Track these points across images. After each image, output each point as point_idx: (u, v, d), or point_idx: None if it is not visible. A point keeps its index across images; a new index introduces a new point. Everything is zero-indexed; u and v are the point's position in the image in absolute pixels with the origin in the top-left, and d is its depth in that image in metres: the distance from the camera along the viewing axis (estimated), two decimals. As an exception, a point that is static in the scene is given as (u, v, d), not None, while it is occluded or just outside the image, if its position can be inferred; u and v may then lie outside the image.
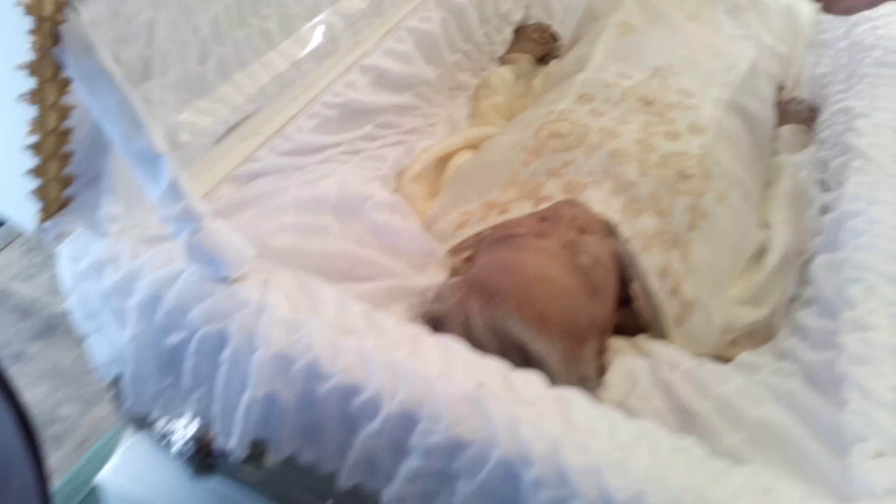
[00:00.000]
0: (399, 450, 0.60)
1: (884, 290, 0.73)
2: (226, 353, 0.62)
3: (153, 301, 0.65)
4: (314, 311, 0.65)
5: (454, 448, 0.58)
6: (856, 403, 0.63)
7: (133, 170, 0.61)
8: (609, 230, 0.89)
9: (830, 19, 1.41)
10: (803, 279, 0.90)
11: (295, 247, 0.79)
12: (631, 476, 0.55)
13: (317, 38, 0.98)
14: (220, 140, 0.84)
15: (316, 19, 0.98)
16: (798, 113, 1.27)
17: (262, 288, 0.66)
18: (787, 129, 1.23)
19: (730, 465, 0.57)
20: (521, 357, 0.71)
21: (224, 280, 0.64)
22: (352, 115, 1.01)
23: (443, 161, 1.10)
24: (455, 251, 0.93)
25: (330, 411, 0.62)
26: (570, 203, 0.89)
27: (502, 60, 1.37)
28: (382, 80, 1.06)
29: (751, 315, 0.90)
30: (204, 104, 0.81)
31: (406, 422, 0.59)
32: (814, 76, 1.37)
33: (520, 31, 1.43)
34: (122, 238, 0.68)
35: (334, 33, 1.01)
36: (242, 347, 0.62)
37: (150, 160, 0.60)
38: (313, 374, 0.61)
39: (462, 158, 1.10)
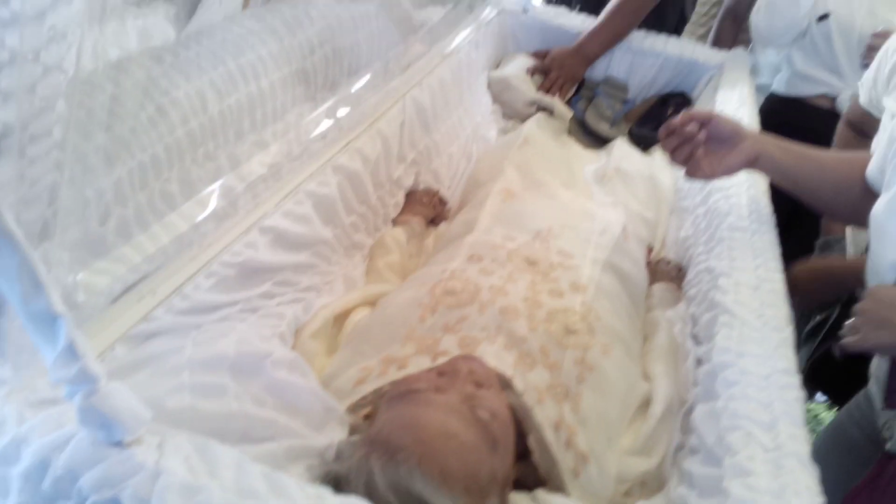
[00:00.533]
0: None
1: (760, 436, 0.79)
2: (118, 523, 0.59)
3: (40, 468, 0.61)
4: (212, 476, 0.63)
5: None
6: (744, 548, 0.66)
7: (28, 331, 0.59)
8: (504, 384, 0.92)
9: (688, 187, 1.57)
10: (686, 428, 0.95)
11: (191, 408, 0.77)
12: None
13: (217, 200, 1.01)
14: (116, 299, 0.83)
15: (216, 183, 1.01)
16: (667, 272, 1.39)
17: (158, 452, 0.63)
18: (658, 288, 1.34)
19: None
20: (424, 515, 0.70)
21: (118, 444, 0.62)
22: (250, 273, 1.02)
23: (341, 318, 1.12)
24: (354, 408, 0.93)
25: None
26: (466, 358, 0.92)
27: (395, 222, 1.44)
28: (281, 240, 1.09)
29: (642, 465, 0.93)
30: (102, 264, 0.81)
31: (310, 589, 0.57)
32: (678, 239, 1.51)
33: (410, 196, 1.51)
34: (9, 402, 0.65)
35: (234, 196, 1.04)
36: (136, 515, 0.59)
37: (47, 321, 0.59)
38: (212, 541, 0.58)
39: (360, 315, 1.12)
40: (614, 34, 2.07)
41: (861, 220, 1.08)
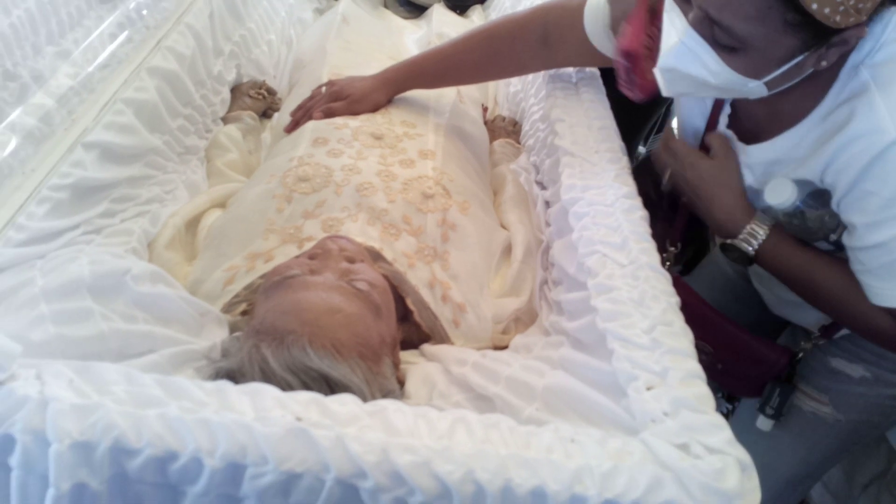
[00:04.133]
0: (232, 501, 0.58)
1: (614, 256, 0.86)
2: (15, 457, 0.57)
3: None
4: (103, 393, 0.61)
5: (287, 483, 0.58)
6: (620, 352, 0.73)
7: None
8: (375, 256, 0.94)
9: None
10: (546, 264, 1.02)
11: (59, 336, 0.73)
12: (457, 460, 0.59)
13: (28, 121, 0.92)
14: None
15: (25, 104, 0.92)
16: (504, 128, 1.44)
17: (39, 382, 0.61)
18: (499, 144, 1.39)
19: (536, 428, 0.64)
20: (326, 387, 0.72)
21: (-7, 384, 0.58)
22: (84, 193, 0.95)
23: (192, 224, 1.08)
24: (229, 307, 0.92)
25: (147, 486, 0.58)
26: (333, 238, 0.92)
27: (226, 120, 1.38)
28: (109, 154, 1.01)
29: (513, 304, 1.00)
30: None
31: (233, 473, 0.58)
32: (509, 94, 1.55)
33: (236, 90, 1.44)
34: None
35: (46, 113, 0.95)
36: (33, 446, 0.57)
37: None
38: (120, 452, 0.58)
39: (212, 218, 1.09)
40: None
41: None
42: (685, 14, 0.80)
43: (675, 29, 0.81)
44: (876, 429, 1.16)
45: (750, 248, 0.94)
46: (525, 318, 1.00)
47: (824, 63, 0.78)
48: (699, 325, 1.00)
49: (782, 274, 0.95)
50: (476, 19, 1.96)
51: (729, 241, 0.96)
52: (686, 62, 0.82)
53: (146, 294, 0.84)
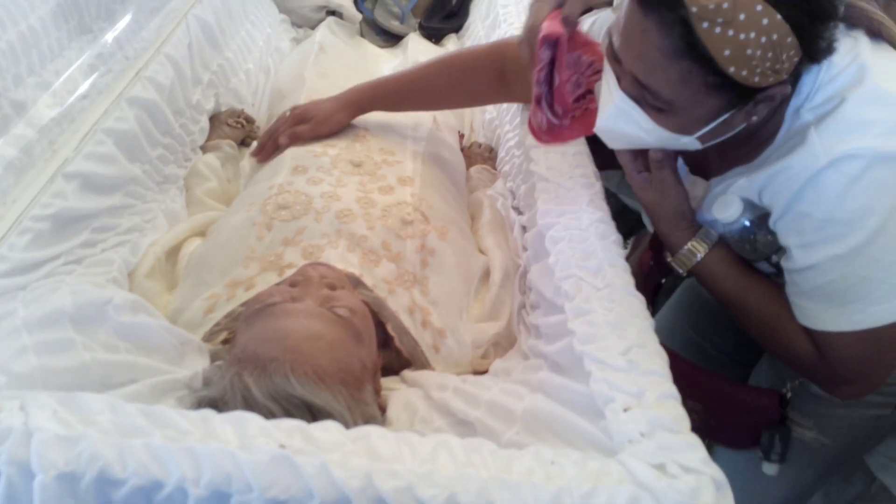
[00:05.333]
0: (218, 530, 0.59)
1: (590, 279, 0.88)
2: (0, 489, 0.57)
3: None
4: (87, 423, 0.61)
5: (273, 511, 0.59)
6: (597, 374, 0.75)
7: None
8: (355, 282, 0.95)
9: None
10: (524, 288, 1.04)
11: (41, 368, 0.74)
12: (440, 483, 0.60)
13: (10, 152, 0.93)
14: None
15: (5, 135, 0.93)
16: (480, 154, 1.46)
17: (22, 413, 0.61)
18: (475, 170, 1.41)
19: (517, 452, 0.66)
20: (309, 414, 0.73)
21: (-24, 415, 0.59)
22: (65, 224, 0.95)
23: (173, 253, 1.08)
24: (210, 336, 0.92)
25: (133, 516, 0.59)
26: (314, 265, 0.93)
27: (204, 148, 1.39)
28: (89, 184, 1.02)
29: (492, 328, 1.01)
30: None
31: (218, 501, 0.59)
32: (485, 122, 1.58)
33: (215, 119, 1.45)
34: None
35: (27, 144, 0.96)
36: (18, 478, 0.57)
37: None
38: (105, 483, 0.58)
39: (192, 246, 1.09)
40: None
41: None
42: (618, 78, 0.84)
43: (610, 92, 0.86)
44: (861, 450, 1.17)
45: (685, 266, 0.96)
46: (504, 343, 1.01)
47: (755, 118, 0.82)
48: (684, 384, 1.02)
49: (718, 292, 0.98)
50: (451, 48, 1.99)
51: (669, 258, 0.98)
52: (620, 123, 0.86)
53: (127, 324, 0.85)
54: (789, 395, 1.08)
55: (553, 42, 0.98)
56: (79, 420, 0.62)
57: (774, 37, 0.72)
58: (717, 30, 0.72)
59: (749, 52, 0.72)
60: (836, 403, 1.08)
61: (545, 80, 1.02)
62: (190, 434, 0.62)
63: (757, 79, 0.74)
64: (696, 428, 1.08)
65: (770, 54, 0.73)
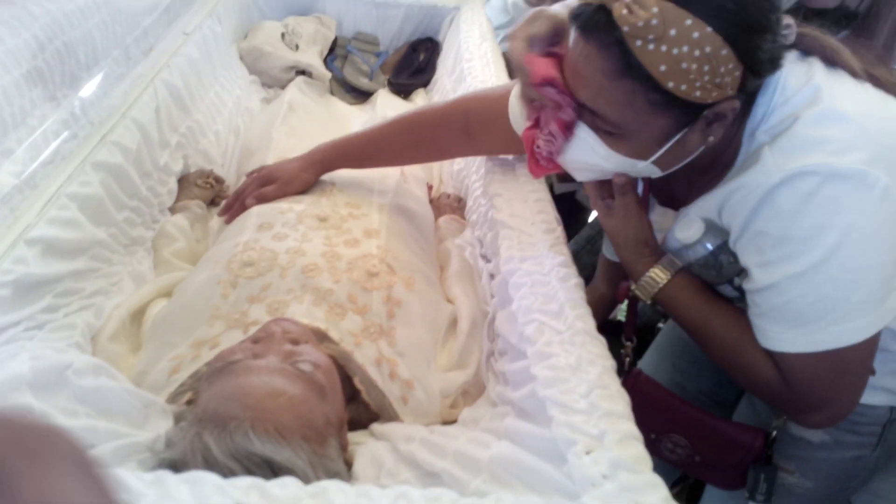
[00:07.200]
0: None
1: (552, 323, 0.88)
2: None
3: None
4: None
5: (228, 573, 0.57)
6: (559, 418, 0.75)
7: None
8: (321, 337, 0.94)
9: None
10: (492, 336, 1.04)
11: (-4, 436, 0.72)
12: (400, 537, 0.59)
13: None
14: None
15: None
16: (448, 205, 1.48)
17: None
18: (444, 220, 1.42)
19: (478, 500, 0.65)
20: (270, 471, 0.72)
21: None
22: (27, 290, 0.95)
23: (138, 315, 1.08)
24: (174, 397, 0.91)
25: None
26: (277, 321, 0.93)
27: (173, 210, 1.39)
28: (52, 249, 1.02)
29: (460, 377, 1.01)
30: None
31: (172, 565, 0.57)
32: (453, 172, 1.60)
33: (184, 180, 1.46)
34: None
35: (-12, 212, 0.96)
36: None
37: None
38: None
39: (157, 308, 1.09)
40: None
41: None
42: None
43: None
44: (844, 492, 1.15)
45: (647, 294, 0.96)
46: (473, 391, 1.01)
47: (712, 139, 0.83)
48: (669, 418, 1.00)
49: (682, 319, 0.97)
50: (420, 102, 2.02)
51: (632, 287, 0.99)
52: (580, 152, 0.88)
53: (88, 388, 0.84)
54: (774, 433, 1.07)
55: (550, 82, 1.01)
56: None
57: (708, 49, 0.73)
58: (651, 46, 0.73)
59: (684, 65, 0.74)
60: (815, 446, 1.07)
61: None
62: (144, 496, 0.61)
63: (698, 93, 0.75)
64: (682, 463, 1.07)
65: (707, 67, 0.74)
